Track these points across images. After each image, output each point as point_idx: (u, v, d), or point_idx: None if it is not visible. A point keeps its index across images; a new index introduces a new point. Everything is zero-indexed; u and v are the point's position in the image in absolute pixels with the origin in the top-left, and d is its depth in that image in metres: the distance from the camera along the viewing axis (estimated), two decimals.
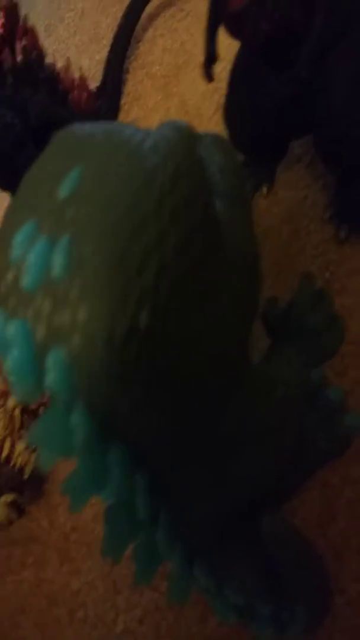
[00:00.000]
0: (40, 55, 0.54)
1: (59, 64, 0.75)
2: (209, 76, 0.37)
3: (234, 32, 0.34)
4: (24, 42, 0.51)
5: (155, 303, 0.18)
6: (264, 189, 0.52)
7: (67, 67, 0.59)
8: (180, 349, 0.20)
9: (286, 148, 0.47)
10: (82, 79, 0.61)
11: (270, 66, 0.37)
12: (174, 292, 0.19)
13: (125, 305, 0.17)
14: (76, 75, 0.62)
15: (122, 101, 0.69)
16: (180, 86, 0.65)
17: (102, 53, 0.74)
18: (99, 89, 0.66)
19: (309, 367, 0.33)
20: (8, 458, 0.41)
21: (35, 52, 0.53)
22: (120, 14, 0.75)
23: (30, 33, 0.53)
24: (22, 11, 0.90)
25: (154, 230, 0.19)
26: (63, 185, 0.19)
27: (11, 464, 0.41)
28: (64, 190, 0.19)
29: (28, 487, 0.42)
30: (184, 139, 0.23)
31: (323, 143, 0.41)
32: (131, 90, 0.69)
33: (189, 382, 0.21)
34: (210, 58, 0.36)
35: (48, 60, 0.63)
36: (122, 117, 0.68)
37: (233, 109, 0.43)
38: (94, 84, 0.70)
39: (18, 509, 0.42)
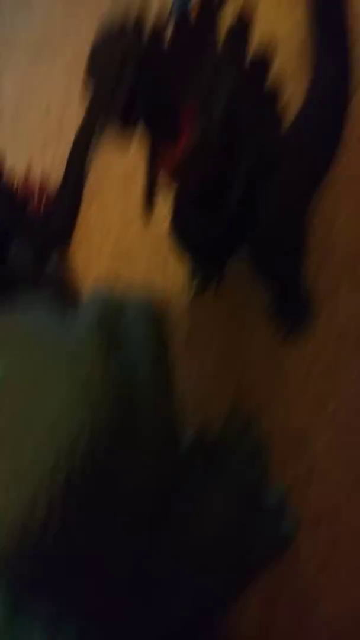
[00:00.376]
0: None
1: (25, 157, 0.79)
2: (148, 211, 0.41)
3: (169, 184, 0.39)
4: None
5: (64, 503, 0.20)
6: (213, 285, 0.56)
7: (27, 174, 0.63)
8: (91, 528, 0.22)
9: (232, 253, 0.51)
10: (42, 183, 0.65)
11: (203, 206, 0.41)
12: (81, 490, 0.21)
13: (34, 510, 0.20)
14: (36, 178, 0.66)
15: (85, 193, 0.73)
16: (138, 185, 0.69)
17: (65, 147, 0.79)
18: (59, 186, 0.70)
19: (238, 497, 0.36)
20: None
21: None
22: (84, 110, 0.80)
23: None
24: None
25: (66, 440, 0.21)
26: None
27: None
28: None
29: None
30: (106, 329, 0.26)
31: (255, 262, 0.45)
32: (92, 187, 0.73)
33: (105, 551, 0.23)
34: (150, 200, 0.41)
35: (14, 151, 0.67)
36: (83, 210, 0.72)
37: (177, 235, 0.47)
38: (57, 177, 0.75)
39: None
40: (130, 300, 0.31)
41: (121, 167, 0.72)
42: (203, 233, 0.44)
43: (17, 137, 0.88)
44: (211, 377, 0.51)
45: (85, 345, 0.23)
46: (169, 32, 0.38)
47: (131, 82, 0.31)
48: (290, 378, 0.48)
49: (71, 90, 0.91)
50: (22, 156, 0.83)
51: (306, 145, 0.50)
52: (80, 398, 0.21)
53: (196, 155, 0.36)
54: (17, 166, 0.71)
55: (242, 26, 0.39)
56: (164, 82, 0.34)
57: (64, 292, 0.61)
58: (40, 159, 0.82)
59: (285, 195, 0.42)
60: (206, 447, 0.39)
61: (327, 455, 0.43)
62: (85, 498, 0.21)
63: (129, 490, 0.25)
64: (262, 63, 0.41)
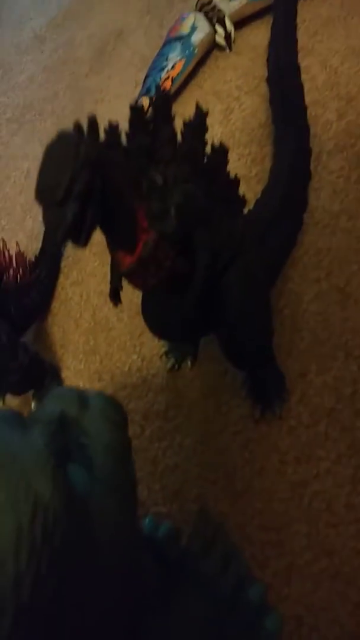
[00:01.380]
0: None
1: (3, 226, 0.80)
2: (115, 302, 0.41)
3: (130, 283, 0.39)
4: None
5: None
6: (189, 362, 0.55)
7: (3, 247, 0.63)
8: None
9: (204, 332, 0.51)
10: (19, 255, 0.66)
11: (169, 293, 0.41)
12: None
13: None
14: (13, 249, 0.66)
15: (62, 264, 0.73)
16: None
17: None
18: (38, 255, 0.70)
19: (215, 605, 0.34)
20: None
21: None
22: None
23: None
24: None
25: (12, 570, 0.20)
26: None
27: None
28: None
29: None
30: (60, 440, 0.25)
31: (224, 346, 0.45)
32: (71, 254, 0.74)
33: None
34: (115, 293, 0.41)
35: None
36: (62, 280, 0.72)
37: (147, 316, 0.47)
38: (37, 245, 0.75)
39: None
40: (90, 400, 0.30)
41: (99, 235, 0.73)
42: (169, 322, 0.44)
43: None
44: (187, 460, 0.50)
45: (37, 461, 0.22)
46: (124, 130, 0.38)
47: (83, 192, 0.30)
48: (266, 465, 0.47)
49: None
50: (1, 226, 0.84)
51: (269, 225, 0.50)
52: (28, 518, 0.20)
53: (147, 263, 0.36)
54: None
55: (198, 120, 0.40)
56: (119, 186, 0.34)
57: (39, 367, 0.60)
58: (19, 228, 0.82)
59: (247, 280, 0.42)
60: (178, 552, 0.38)
61: (304, 548, 0.42)
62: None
63: (92, 613, 0.24)
64: (219, 155, 0.41)
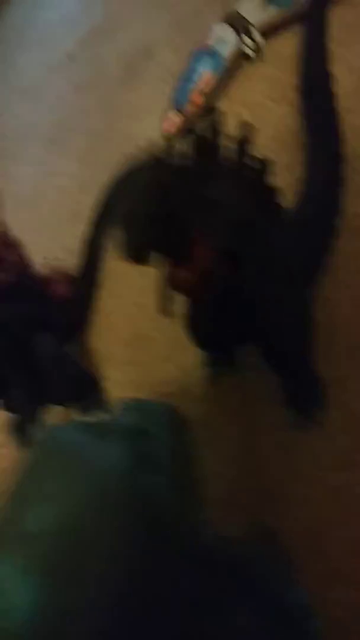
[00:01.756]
0: (23, 267, 0.62)
1: (40, 241, 0.83)
2: (166, 315, 0.43)
3: (183, 296, 0.41)
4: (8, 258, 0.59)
5: None
6: (227, 371, 0.57)
7: (50, 264, 0.66)
8: None
9: (243, 344, 0.52)
10: (62, 270, 0.68)
11: (214, 308, 0.43)
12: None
13: None
14: (55, 265, 0.69)
15: (102, 278, 0.76)
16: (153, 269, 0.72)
17: (82, 229, 0.82)
18: (78, 271, 0.73)
19: (264, 608, 0.36)
20: None
21: (19, 267, 0.60)
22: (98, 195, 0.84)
23: (12, 247, 0.61)
24: (3, 186, 0.98)
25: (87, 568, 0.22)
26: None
27: None
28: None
29: None
30: (137, 450, 0.27)
31: (264, 355, 0.46)
32: (110, 268, 0.76)
33: None
34: (166, 306, 0.43)
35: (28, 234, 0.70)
36: (102, 293, 0.74)
37: (190, 328, 0.49)
38: (74, 260, 0.78)
39: None
40: (157, 410, 0.33)
41: None
42: (214, 333, 0.46)
43: (33, 222, 0.92)
44: (227, 468, 0.51)
45: (118, 466, 0.24)
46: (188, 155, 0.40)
47: (154, 216, 0.33)
48: (304, 472, 0.48)
49: (85, 174, 0.93)
50: (38, 241, 0.87)
51: (305, 232, 0.51)
52: (108, 522, 0.22)
53: (211, 277, 0.38)
54: (32, 251, 0.74)
55: (245, 136, 0.41)
56: (182, 207, 0.36)
57: (83, 378, 0.62)
58: (55, 244, 0.85)
59: (287, 287, 0.44)
60: (228, 554, 0.39)
61: (346, 554, 0.43)
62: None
63: (154, 613, 0.26)
64: (263, 168, 0.43)
